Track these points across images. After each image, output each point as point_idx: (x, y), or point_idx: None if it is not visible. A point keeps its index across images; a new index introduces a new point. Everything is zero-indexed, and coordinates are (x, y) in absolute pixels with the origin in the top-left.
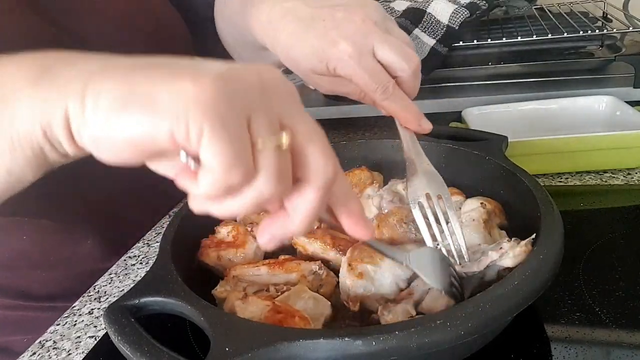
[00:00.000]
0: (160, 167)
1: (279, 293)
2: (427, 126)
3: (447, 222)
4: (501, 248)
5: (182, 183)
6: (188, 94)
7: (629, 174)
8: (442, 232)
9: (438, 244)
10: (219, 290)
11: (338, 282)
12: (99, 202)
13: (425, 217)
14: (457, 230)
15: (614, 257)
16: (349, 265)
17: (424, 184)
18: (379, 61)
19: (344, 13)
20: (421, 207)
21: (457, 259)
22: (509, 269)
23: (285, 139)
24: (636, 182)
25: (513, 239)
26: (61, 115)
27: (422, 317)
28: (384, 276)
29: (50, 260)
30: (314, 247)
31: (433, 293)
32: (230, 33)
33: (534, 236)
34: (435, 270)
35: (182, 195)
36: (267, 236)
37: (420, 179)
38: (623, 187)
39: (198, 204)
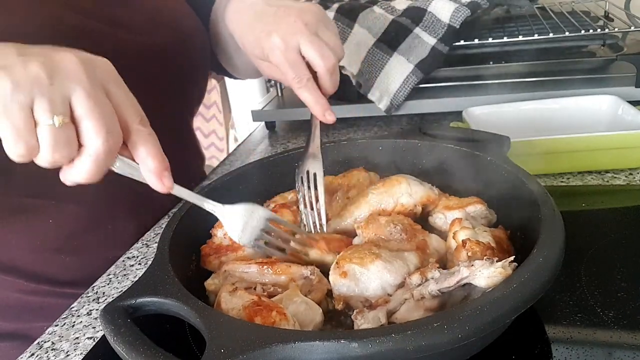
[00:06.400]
0: None
1: (265, 293)
2: (330, 118)
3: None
4: (472, 265)
5: None
6: None
7: (630, 174)
8: (311, 201)
9: (307, 208)
10: (209, 283)
11: (330, 290)
12: (124, 187)
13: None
14: (321, 200)
15: (615, 257)
16: (337, 263)
17: (309, 164)
18: (303, 57)
19: (284, 12)
20: (302, 181)
21: (318, 225)
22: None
23: (58, 119)
24: (638, 182)
25: (490, 258)
26: None
27: (419, 320)
28: (371, 279)
29: (74, 245)
30: (312, 254)
31: (409, 304)
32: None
33: (512, 258)
34: (242, 226)
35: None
36: (63, 177)
37: (307, 160)
38: (625, 187)
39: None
